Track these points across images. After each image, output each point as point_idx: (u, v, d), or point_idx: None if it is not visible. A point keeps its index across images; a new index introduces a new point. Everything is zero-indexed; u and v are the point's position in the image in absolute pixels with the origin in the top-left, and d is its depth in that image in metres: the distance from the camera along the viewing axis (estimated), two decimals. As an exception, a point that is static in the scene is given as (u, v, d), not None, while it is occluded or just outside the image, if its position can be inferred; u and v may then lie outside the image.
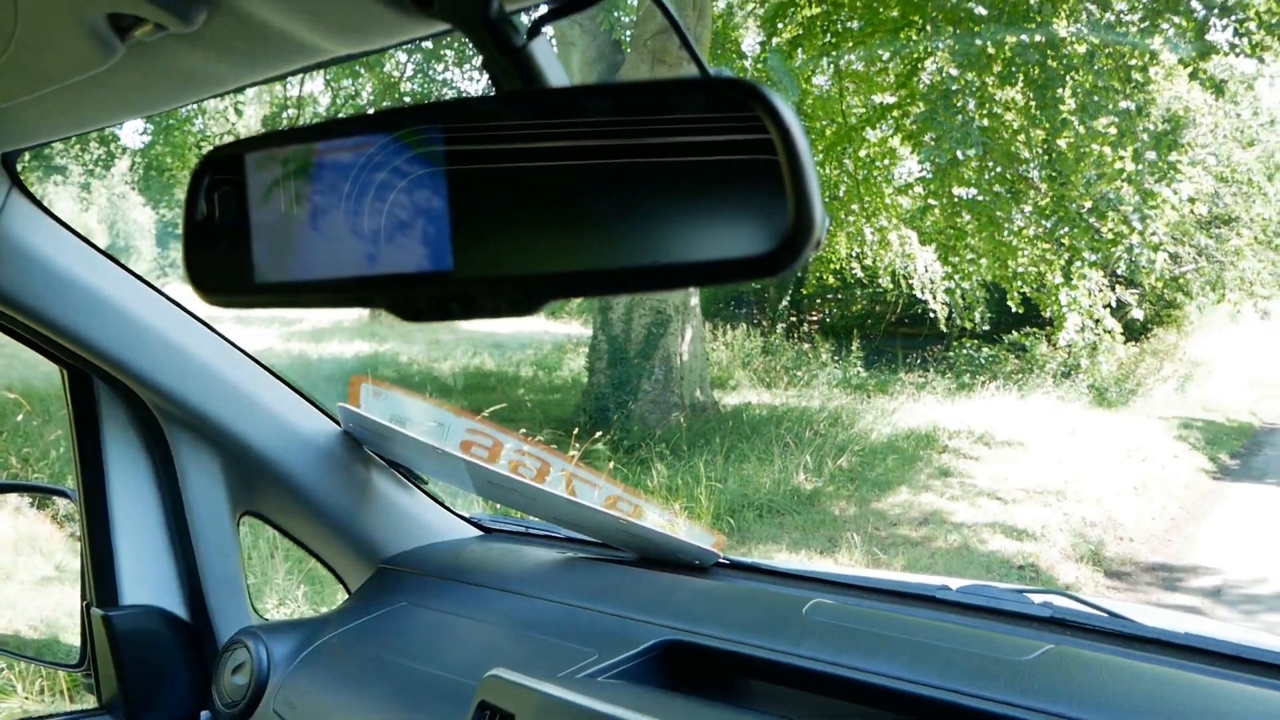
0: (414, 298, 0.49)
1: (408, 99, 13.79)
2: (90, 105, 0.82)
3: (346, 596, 1.56)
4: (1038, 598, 1.25)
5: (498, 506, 1.86)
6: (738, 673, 1.12)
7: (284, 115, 12.89)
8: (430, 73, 14.71)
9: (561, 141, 0.46)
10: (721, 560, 1.45)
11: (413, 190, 0.49)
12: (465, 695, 1.05)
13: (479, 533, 1.68)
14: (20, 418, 5.85)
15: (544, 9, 0.52)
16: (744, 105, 0.42)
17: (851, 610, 1.15)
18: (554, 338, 15.86)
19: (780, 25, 7.67)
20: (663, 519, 1.44)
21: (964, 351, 12.89)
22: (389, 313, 0.50)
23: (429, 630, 1.28)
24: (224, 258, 0.54)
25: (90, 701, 1.29)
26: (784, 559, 5.39)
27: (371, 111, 0.55)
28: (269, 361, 1.43)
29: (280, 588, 3.88)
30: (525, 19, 0.53)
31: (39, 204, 1.14)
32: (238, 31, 0.62)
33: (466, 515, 1.70)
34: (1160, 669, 1.00)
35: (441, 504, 1.66)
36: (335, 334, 15.22)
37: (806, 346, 13.78)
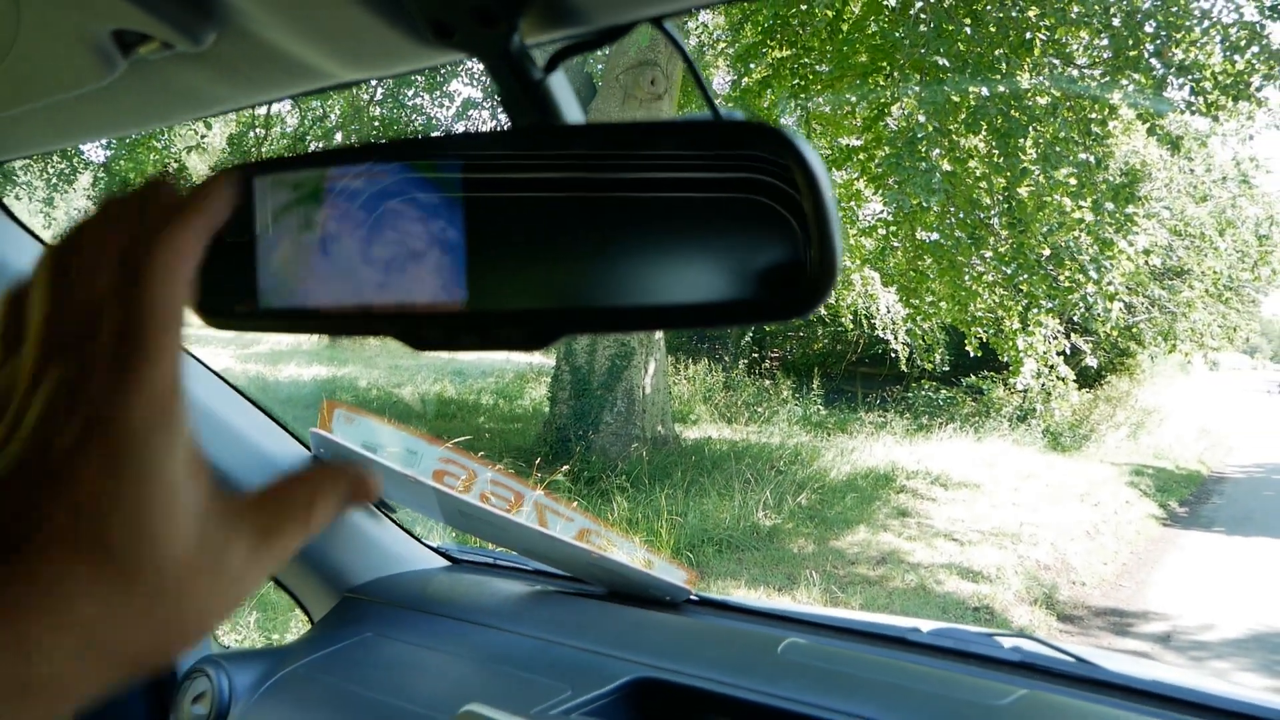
0: (424, 328, 0.49)
1: (376, 123, 13.74)
2: (79, 121, 0.81)
3: (309, 626, 1.52)
4: (1007, 641, 1.27)
5: (466, 537, 1.83)
6: (711, 711, 1.11)
7: (251, 133, 12.77)
8: (400, 98, 14.70)
9: (579, 176, 0.47)
10: (692, 597, 1.44)
11: (427, 220, 0.49)
12: (435, 731, 1.03)
13: (446, 563, 1.66)
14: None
15: (562, 44, 0.53)
16: (767, 148, 0.43)
17: (826, 650, 1.15)
18: (515, 367, 15.78)
19: (751, 66, 7.80)
20: (635, 554, 1.43)
21: (923, 393, 13.07)
22: (398, 341, 0.49)
23: (397, 662, 1.26)
24: (226, 280, 0.53)
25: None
26: (741, 595, 5.38)
27: (386, 140, 0.55)
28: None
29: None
30: (541, 54, 0.53)
31: (13, 216, 1.12)
32: (245, 53, 0.62)
33: (434, 545, 1.68)
34: (1128, 714, 1.02)
35: (410, 533, 1.64)
36: (293, 356, 15.01)
37: (768, 383, 13.87)
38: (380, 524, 1.57)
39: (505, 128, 0.52)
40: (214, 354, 13.91)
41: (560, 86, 0.52)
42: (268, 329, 0.54)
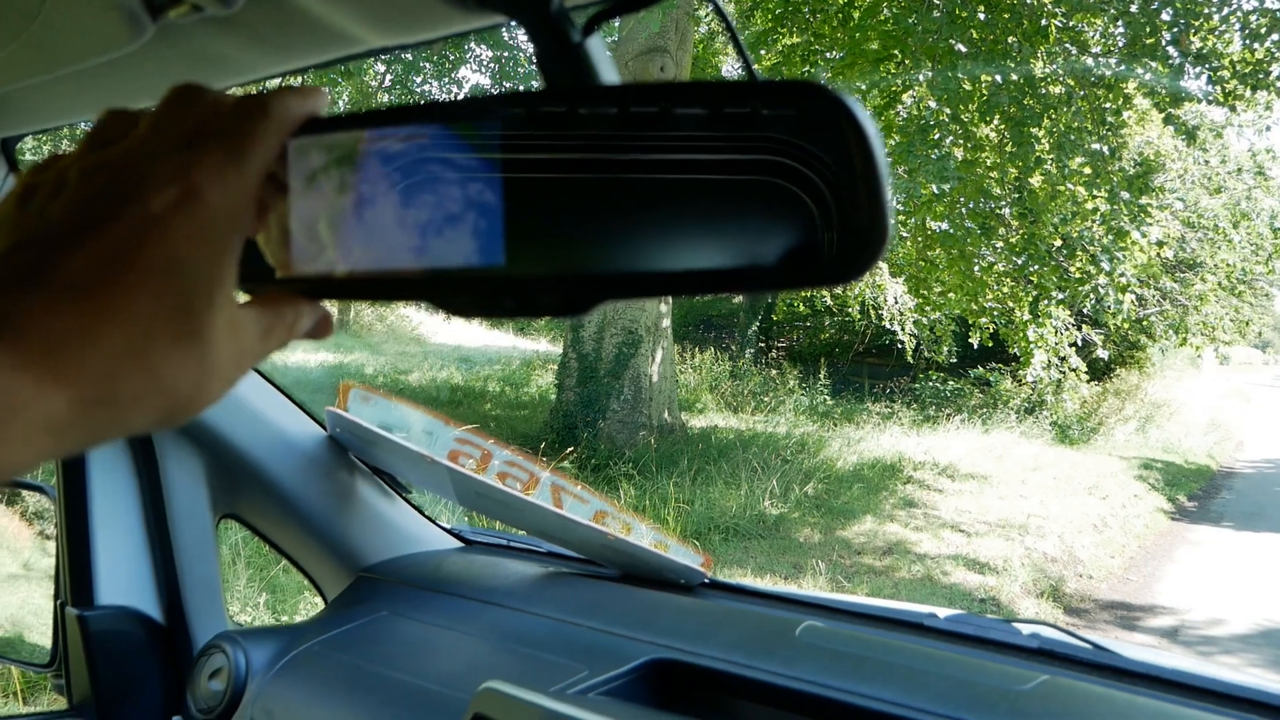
0: (460, 294, 0.48)
1: (384, 109, 13.69)
2: (104, 89, 0.80)
3: (323, 605, 1.52)
4: (1025, 628, 1.26)
5: (478, 519, 1.83)
6: (729, 693, 1.10)
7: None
8: (409, 84, 14.65)
9: (616, 139, 0.46)
10: (707, 581, 1.44)
11: (464, 184, 0.48)
12: (453, 708, 1.02)
13: (460, 544, 1.66)
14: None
15: (599, 6, 0.52)
16: (817, 109, 0.42)
17: (845, 634, 1.14)
18: (522, 353, 15.79)
19: (761, 52, 7.75)
20: (652, 537, 1.43)
21: (930, 384, 13.04)
22: (436, 308, 0.48)
23: (412, 641, 1.26)
24: (259, 247, 0.52)
25: (60, 702, 1.24)
26: (748, 583, 5.38)
27: (422, 102, 0.54)
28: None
29: (241, 594, 3.79)
30: (577, 16, 0.52)
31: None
32: (273, 18, 0.61)
33: (447, 527, 1.67)
34: (1152, 703, 1.01)
35: (423, 514, 1.64)
36: (299, 342, 15.02)
37: (774, 372, 13.85)
38: (394, 504, 1.57)
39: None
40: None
41: (598, 50, 0.51)
42: (296, 294, 0.53)
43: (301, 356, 13.46)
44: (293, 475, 1.39)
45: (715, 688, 1.11)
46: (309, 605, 3.73)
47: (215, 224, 0.40)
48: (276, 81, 0.74)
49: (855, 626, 1.23)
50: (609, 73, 0.51)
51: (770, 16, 7.62)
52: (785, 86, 0.44)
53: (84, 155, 0.41)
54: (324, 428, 1.43)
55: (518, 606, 1.32)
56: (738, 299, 18.05)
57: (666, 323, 8.78)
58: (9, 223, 0.39)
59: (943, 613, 1.32)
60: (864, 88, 7.75)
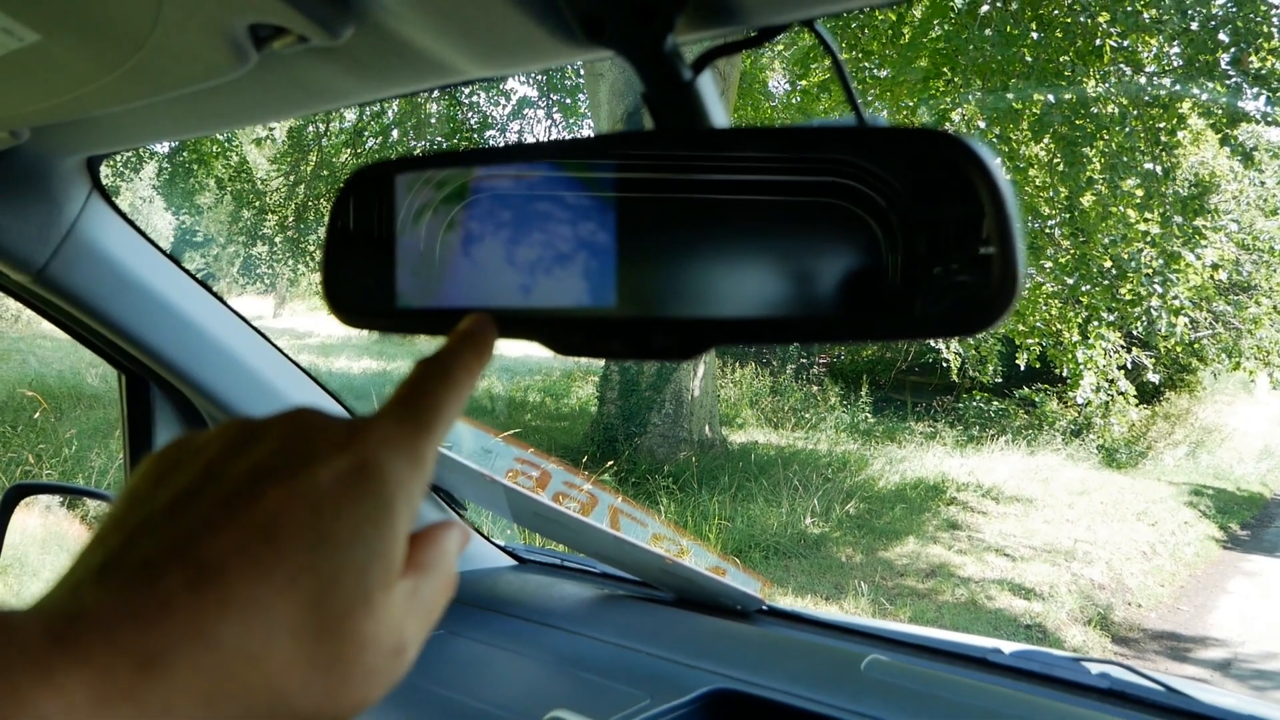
0: (572, 333, 0.48)
1: (432, 119, 13.86)
2: (196, 113, 0.82)
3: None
4: (1094, 667, 1.23)
5: (532, 536, 1.83)
6: (792, 727, 1.09)
7: (310, 127, 12.99)
8: (456, 94, 14.79)
9: (727, 181, 0.45)
10: (764, 608, 1.42)
11: (574, 223, 0.48)
12: (516, 733, 1.02)
13: (514, 562, 1.66)
14: (37, 415, 5.84)
15: (711, 44, 0.51)
16: (945, 157, 0.41)
17: (910, 670, 1.12)
18: (563, 365, 15.85)
19: (812, 67, 7.72)
20: (709, 561, 1.41)
21: (974, 404, 12.84)
22: (545, 346, 0.48)
23: (469, 660, 1.26)
24: (365, 279, 0.53)
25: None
26: (789, 603, 5.32)
27: (531, 141, 0.54)
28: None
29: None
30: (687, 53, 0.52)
31: (116, 208, 1.14)
32: (377, 48, 0.61)
33: (501, 544, 1.68)
34: (1234, 751, 0.97)
35: (479, 531, 1.64)
36: (344, 349, 15.25)
37: (815, 389, 13.74)
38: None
39: (635, 131, 0.51)
40: (268, 344, 14.14)
41: (708, 88, 0.51)
42: (404, 330, 0.53)
43: (345, 363, 13.66)
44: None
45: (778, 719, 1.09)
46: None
47: (386, 501, 0.33)
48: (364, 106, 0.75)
49: (919, 661, 1.21)
50: (718, 113, 0.51)
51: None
52: (907, 134, 0.44)
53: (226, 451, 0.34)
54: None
55: (575, 629, 1.32)
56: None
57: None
58: (138, 506, 0.33)
59: (1008, 647, 1.29)
60: (912, 104, 7.69)
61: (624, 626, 1.32)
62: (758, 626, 1.37)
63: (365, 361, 14.12)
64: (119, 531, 0.31)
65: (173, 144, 13.15)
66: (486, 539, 1.64)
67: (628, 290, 0.46)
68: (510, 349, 18.15)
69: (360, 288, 0.53)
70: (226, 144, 13.22)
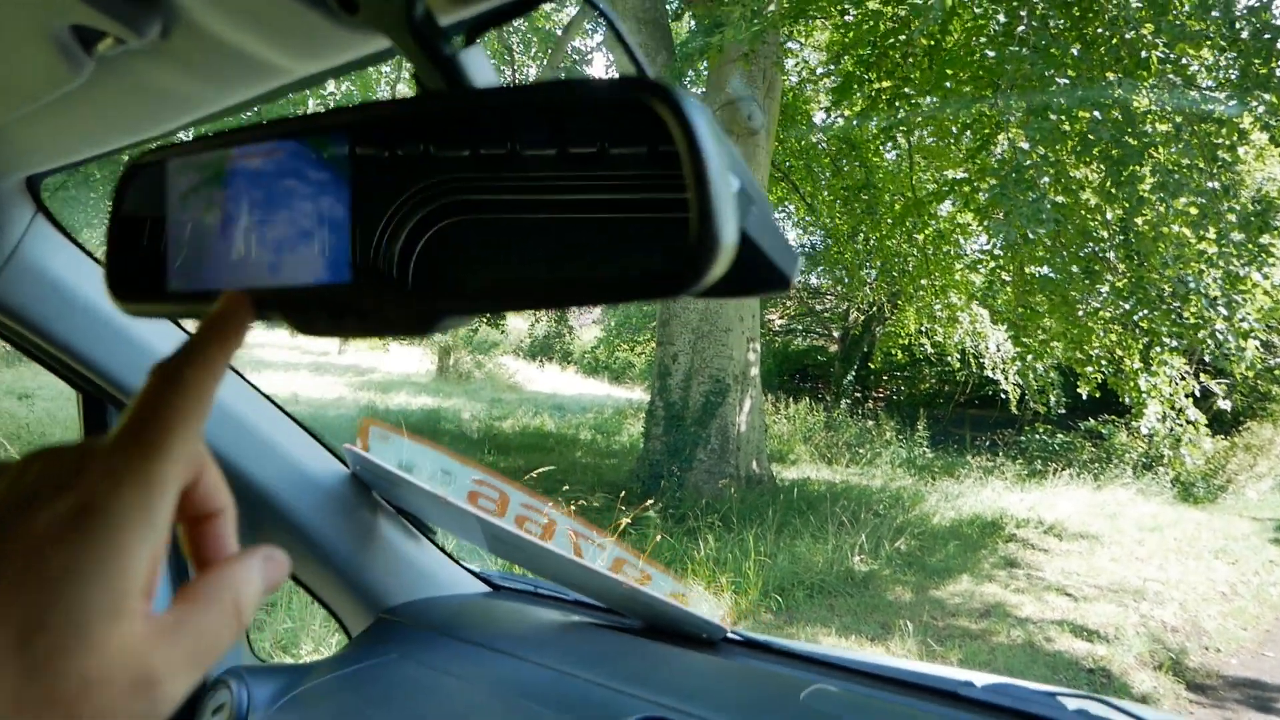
0: (311, 311, 0.46)
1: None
2: (87, 126, 0.83)
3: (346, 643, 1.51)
4: (1071, 703, 1.14)
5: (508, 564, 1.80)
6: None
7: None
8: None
9: (468, 150, 0.43)
10: (730, 635, 1.36)
11: (316, 198, 0.46)
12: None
13: (487, 589, 1.63)
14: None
15: (468, 14, 0.49)
16: (650, 106, 0.38)
17: (856, 700, 1.05)
18: (616, 402, 15.88)
19: (855, 93, 7.67)
20: (671, 588, 1.36)
21: (1037, 436, 12.41)
22: (289, 326, 0.46)
23: (415, 686, 1.23)
24: (141, 265, 0.52)
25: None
26: (831, 644, 5.16)
27: (289, 116, 0.53)
28: (340, 410, 1.41)
29: (315, 634, 3.86)
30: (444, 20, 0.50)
31: (61, 228, 1.16)
32: (197, 47, 0.61)
33: (476, 570, 1.65)
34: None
35: (451, 556, 1.62)
36: (404, 386, 15.52)
37: (870, 424, 13.47)
38: (420, 546, 1.55)
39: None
40: (331, 382, 14.53)
41: (475, 59, 0.49)
42: (179, 314, 0.52)
43: (404, 399, 13.89)
44: (315, 513, 1.39)
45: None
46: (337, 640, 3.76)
47: (108, 536, 0.33)
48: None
49: (877, 692, 1.14)
50: (487, 80, 0.49)
51: (858, 61, 7.56)
52: (635, 84, 0.41)
53: None
54: (346, 465, 1.44)
55: (527, 656, 1.28)
56: (834, 348, 17.73)
57: (755, 371, 8.66)
58: None
59: (981, 680, 1.21)
60: (956, 131, 7.58)
61: (578, 654, 1.28)
62: (720, 655, 1.31)
63: (423, 398, 14.34)
64: None
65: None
66: (460, 564, 1.62)
67: (364, 266, 0.44)
68: (565, 387, 18.28)
69: (137, 274, 0.52)
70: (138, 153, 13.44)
